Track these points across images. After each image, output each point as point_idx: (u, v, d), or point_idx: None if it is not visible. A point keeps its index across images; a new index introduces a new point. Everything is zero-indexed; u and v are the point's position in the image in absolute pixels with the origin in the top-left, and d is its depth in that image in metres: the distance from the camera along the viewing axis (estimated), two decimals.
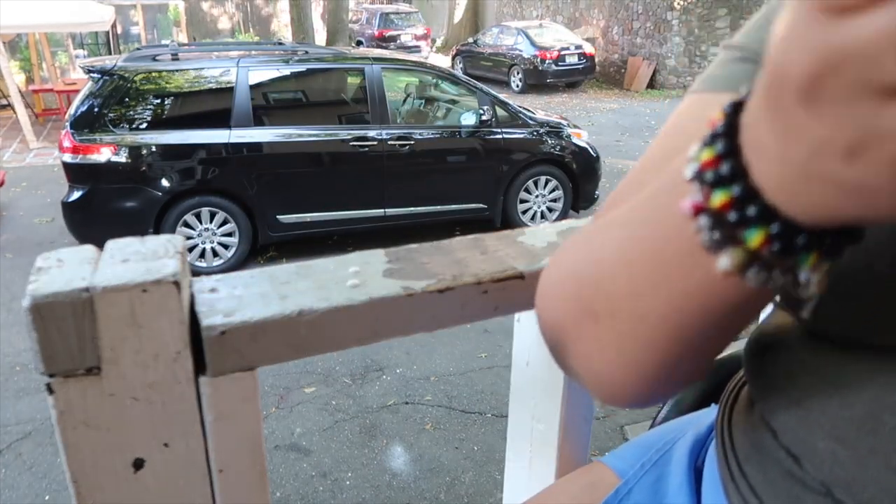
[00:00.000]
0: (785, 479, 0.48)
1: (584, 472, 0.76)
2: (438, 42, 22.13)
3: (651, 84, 15.01)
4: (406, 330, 0.57)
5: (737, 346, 0.58)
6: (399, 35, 19.59)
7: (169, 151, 5.31)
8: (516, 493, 0.88)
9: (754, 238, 0.30)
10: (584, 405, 0.82)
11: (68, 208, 5.20)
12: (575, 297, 0.45)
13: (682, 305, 0.37)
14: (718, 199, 0.30)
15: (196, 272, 0.54)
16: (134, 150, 5.21)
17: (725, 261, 0.31)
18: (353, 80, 6.28)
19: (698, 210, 0.31)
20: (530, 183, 6.31)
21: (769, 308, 0.52)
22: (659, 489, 0.65)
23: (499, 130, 6.02)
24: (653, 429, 0.76)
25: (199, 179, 5.38)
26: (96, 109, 5.21)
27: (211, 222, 5.46)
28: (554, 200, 6.44)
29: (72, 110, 5.33)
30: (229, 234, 5.52)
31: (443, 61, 16.30)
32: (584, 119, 11.04)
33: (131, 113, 5.33)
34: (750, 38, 0.49)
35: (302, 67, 5.99)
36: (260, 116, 5.57)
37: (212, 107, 5.62)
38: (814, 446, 0.46)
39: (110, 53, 14.42)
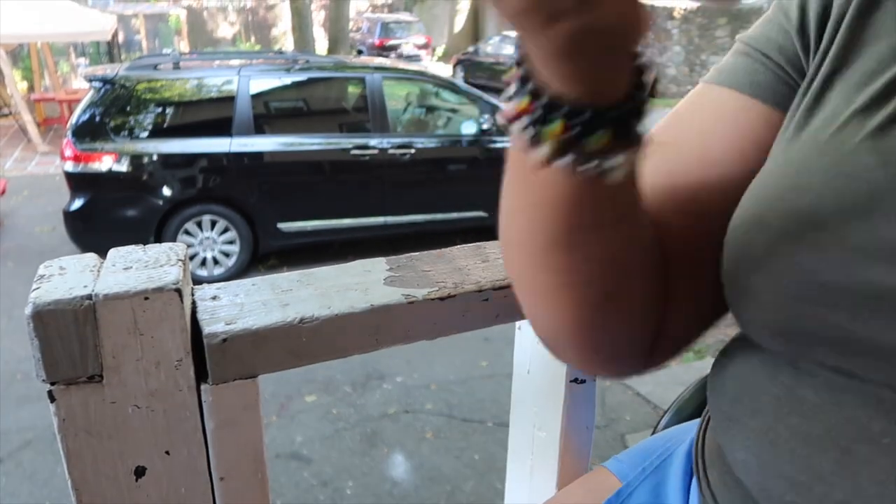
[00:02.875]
0: (733, 485, 0.51)
1: (586, 477, 0.77)
2: (439, 51, 22.18)
3: (651, 93, 15.02)
4: (407, 338, 0.57)
5: None
6: (400, 44, 19.63)
7: (170, 160, 5.32)
8: (517, 502, 0.88)
9: (555, 126, 0.38)
10: (586, 414, 0.81)
11: (70, 217, 5.21)
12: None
13: (535, 220, 0.46)
14: (522, 103, 0.39)
15: (197, 280, 0.54)
16: (135, 159, 5.21)
17: (542, 150, 0.39)
18: (353, 89, 6.29)
19: (512, 117, 0.40)
20: None
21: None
22: (659, 494, 0.65)
23: (500, 139, 6.03)
24: (654, 435, 0.77)
25: (200, 188, 5.38)
26: (98, 118, 5.22)
27: (212, 230, 5.46)
28: None
29: (73, 119, 5.34)
30: (230, 243, 5.52)
31: (443, 70, 16.33)
32: None
33: (133, 122, 5.34)
34: (756, 32, 0.56)
35: (303, 76, 6.00)
36: (261, 125, 5.58)
37: (213, 115, 5.63)
38: (734, 455, 0.50)
39: (112, 62, 14.46)
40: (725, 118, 0.54)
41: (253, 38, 23.54)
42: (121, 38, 16.98)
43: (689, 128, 0.56)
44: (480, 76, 15.55)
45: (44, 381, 0.44)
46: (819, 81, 0.48)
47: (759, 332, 0.47)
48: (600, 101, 0.38)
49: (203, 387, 0.49)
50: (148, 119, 5.42)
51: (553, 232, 0.45)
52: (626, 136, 0.41)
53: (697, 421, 0.73)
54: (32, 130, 9.82)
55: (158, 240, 5.08)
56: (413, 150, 5.80)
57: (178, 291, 0.46)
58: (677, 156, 0.54)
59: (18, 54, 13.84)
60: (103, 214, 5.27)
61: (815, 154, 0.44)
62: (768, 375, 0.47)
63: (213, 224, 5.46)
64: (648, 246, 0.50)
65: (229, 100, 5.46)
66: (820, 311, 0.42)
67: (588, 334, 0.50)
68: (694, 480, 0.61)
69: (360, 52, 19.38)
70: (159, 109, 5.53)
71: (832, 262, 0.41)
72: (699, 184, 0.53)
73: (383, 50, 19.22)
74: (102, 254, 0.51)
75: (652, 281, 0.51)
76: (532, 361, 0.80)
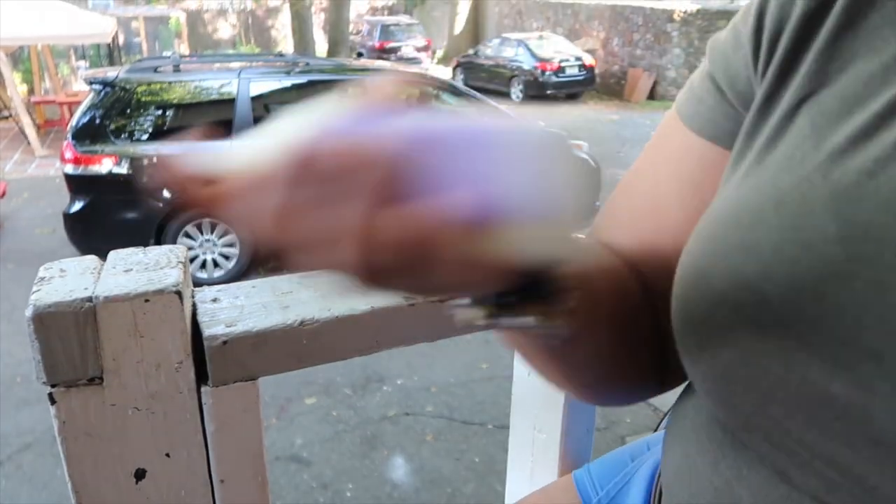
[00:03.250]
0: None
1: (550, 490, 0.76)
2: (439, 53, 22.18)
3: (651, 95, 15.04)
4: (407, 339, 0.57)
5: None
6: (400, 47, 19.65)
7: None
8: None
9: (481, 310, 0.36)
10: (586, 416, 0.81)
11: (70, 219, 5.21)
12: None
13: (514, 341, 0.48)
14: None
15: (197, 283, 0.54)
16: (135, 162, 5.21)
17: (475, 315, 0.37)
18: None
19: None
20: None
21: None
22: None
23: None
24: (625, 446, 0.76)
25: None
26: (98, 121, 5.22)
27: (212, 233, 5.46)
28: None
29: (73, 121, 5.34)
30: (230, 245, 5.52)
31: (443, 73, 16.33)
32: (584, 130, 11.05)
33: (133, 124, 5.34)
34: (719, 39, 0.49)
35: (303, 79, 6.00)
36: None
37: (213, 118, 5.63)
38: None
39: (112, 65, 14.47)
40: (670, 158, 0.51)
41: (253, 41, 23.56)
42: (121, 40, 17.00)
43: (645, 172, 0.53)
44: (480, 78, 15.57)
45: (44, 383, 0.44)
46: (789, 104, 0.40)
47: (702, 396, 0.43)
48: (499, 291, 0.35)
49: (203, 389, 0.49)
50: (148, 122, 5.42)
51: (534, 350, 0.48)
52: (547, 300, 0.36)
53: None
54: (31, 133, 9.84)
55: (158, 242, 5.09)
56: None
57: (179, 294, 0.46)
58: (640, 202, 0.52)
59: (19, 57, 13.85)
60: (103, 217, 5.27)
61: (772, 206, 0.36)
62: (712, 460, 0.42)
63: (214, 226, 5.45)
64: (640, 324, 0.49)
65: (229, 102, 5.46)
66: (756, 398, 0.36)
67: (595, 396, 0.54)
68: None
69: (360, 55, 19.39)
70: (159, 112, 5.53)
71: (771, 348, 0.35)
72: (656, 234, 0.49)
73: (383, 52, 19.24)
74: (102, 256, 0.51)
75: (651, 342, 0.49)
76: None
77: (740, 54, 0.45)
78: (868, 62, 0.36)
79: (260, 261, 5.71)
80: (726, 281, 0.37)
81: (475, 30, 20.29)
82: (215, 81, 5.64)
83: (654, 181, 0.52)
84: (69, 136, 5.18)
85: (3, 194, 7.03)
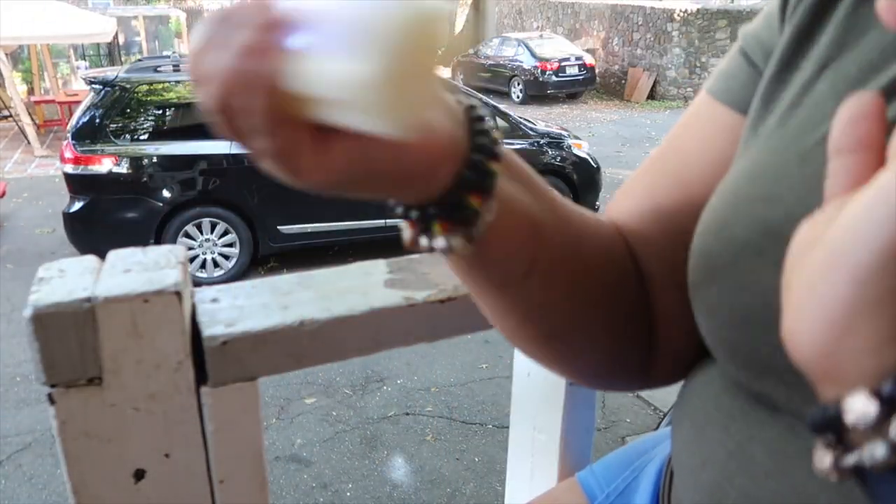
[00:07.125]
0: None
1: (556, 492, 0.76)
2: (439, 53, 22.17)
3: (651, 95, 15.04)
4: (407, 340, 0.57)
5: None
6: None
7: (170, 162, 5.32)
8: None
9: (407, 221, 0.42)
10: (586, 416, 0.81)
11: (69, 219, 5.21)
12: None
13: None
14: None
15: (196, 283, 0.54)
16: (135, 161, 5.22)
17: (405, 234, 0.43)
18: None
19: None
20: None
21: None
22: None
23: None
24: (629, 444, 0.76)
25: (200, 190, 5.38)
26: (98, 120, 5.22)
27: (212, 233, 5.46)
28: None
29: (73, 121, 5.35)
30: (230, 245, 5.52)
31: (442, 73, 16.31)
32: (584, 130, 11.05)
33: (133, 124, 5.34)
34: (751, 25, 0.52)
35: None
36: None
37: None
38: (681, 502, 0.48)
39: (112, 64, 14.47)
40: (703, 130, 0.53)
41: None
42: (121, 40, 16.99)
43: (675, 144, 0.55)
44: (480, 78, 15.56)
45: (43, 383, 0.44)
46: (810, 71, 0.43)
47: (717, 350, 0.45)
48: (423, 202, 0.40)
49: (203, 389, 0.49)
50: (148, 121, 5.43)
51: (470, 285, 0.48)
52: (458, 219, 0.41)
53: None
54: (31, 133, 9.84)
55: (158, 242, 5.09)
56: None
57: (178, 294, 0.45)
58: (661, 177, 0.54)
59: (18, 56, 13.85)
60: (103, 216, 5.27)
61: (796, 162, 0.40)
62: (722, 426, 0.44)
63: (213, 226, 5.45)
64: (623, 296, 0.50)
65: None
66: (773, 338, 0.37)
67: (553, 361, 0.53)
68: None
69: None
70: (159, 112, 5.53)
71: None
72: (680, 204, 0.51)
73: None
74: (102, 256, 0.51)
75: (637, 318, 0.51)
76: (532, 364, 0.79)
77: (772, 30, 0.48)
78: (884, 30, 0.39)
79: (260, 260, 5.72)
80: (749, 228, 0.40)
81: (475, 29, 20.29)
82: None
83: (682, 157, 0.53)
84: (69, 135, 5.19)
85: (3, 194, 7.03)
